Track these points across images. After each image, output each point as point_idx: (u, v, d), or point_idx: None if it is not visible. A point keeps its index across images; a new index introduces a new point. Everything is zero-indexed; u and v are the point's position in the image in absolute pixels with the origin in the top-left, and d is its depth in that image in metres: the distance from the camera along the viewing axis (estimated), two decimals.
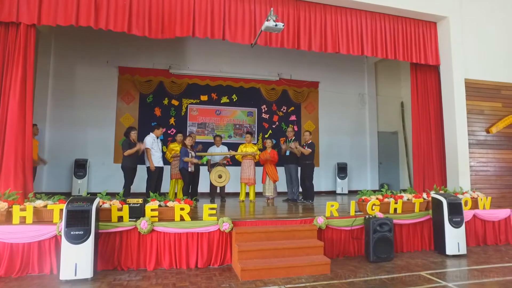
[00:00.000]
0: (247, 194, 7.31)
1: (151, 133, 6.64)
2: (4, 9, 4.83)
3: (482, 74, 7.08)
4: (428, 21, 7.07)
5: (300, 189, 7.43)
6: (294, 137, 7.43)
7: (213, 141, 7.80)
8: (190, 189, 6.91)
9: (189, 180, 6.77)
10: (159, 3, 5.45)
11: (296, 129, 9.85)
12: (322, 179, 9.84)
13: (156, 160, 6.47)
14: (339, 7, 6.43)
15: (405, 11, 6.66)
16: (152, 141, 6.48)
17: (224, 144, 7.83)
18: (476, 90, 7.01)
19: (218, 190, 7.38)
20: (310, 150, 7.05)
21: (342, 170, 9.98)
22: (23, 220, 4.14)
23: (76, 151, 8.44)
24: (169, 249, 4.33)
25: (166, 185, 7.20)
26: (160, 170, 6.63)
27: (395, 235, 5.10)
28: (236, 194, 7.58)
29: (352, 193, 9.65)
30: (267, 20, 5.00)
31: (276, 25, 4.97)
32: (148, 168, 6.50)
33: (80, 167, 8.31)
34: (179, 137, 7.12)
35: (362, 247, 5.00)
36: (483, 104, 7.05)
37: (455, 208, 5.17)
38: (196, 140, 8.12)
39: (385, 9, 6.58)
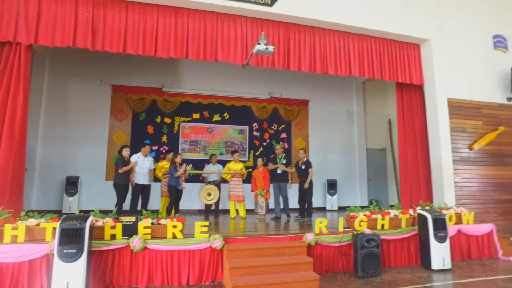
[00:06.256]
0: (237, 211, 7.37)
1: (140, 152, 6.92)
2: (2, 29, 4.97)
3: (464, 93, 7.39)
4: (412, 43, 7.41)
5: (298, 206, 7.42)
6: (284, 154, 7.53)
7: (206, 158, 8.11)
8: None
9: (176, 198, 6.80)
10: (154, 26, 5.65)
11: (286, 146, 10.01)
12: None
13: (137, 177, 6.66)
14: (327, 29, 6.73)
15: (389, 33, 7.00)
16: (136, 159, 6.69)
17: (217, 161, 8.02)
18: (459, 109, 7.31)
19: (213, 207, 7.60)
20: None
21: (332, 186, 10.10)
22: (14, 239, 4.12)
23: (67, 168, 8.42)
24: (161, 267, 4.35)
25: (156, 203, 7.26)
26: (143, 187, 6.73)
27: (382, 251, 5.21)
28: (227, 211, 7.64)
29: (342, 209, 9.73)
30: (258, 44, 5.22)
31: (266, 48, 5.20)
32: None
33: (71, 184, 8.27)
34: (171, 155, 7.16)
35: (351, 263, 5.10)
36: (466, 122, 7.34)
37: (440, 224, 5.33)
38: (189, 158, 8.63)
39: (370, 31, 6.91)
